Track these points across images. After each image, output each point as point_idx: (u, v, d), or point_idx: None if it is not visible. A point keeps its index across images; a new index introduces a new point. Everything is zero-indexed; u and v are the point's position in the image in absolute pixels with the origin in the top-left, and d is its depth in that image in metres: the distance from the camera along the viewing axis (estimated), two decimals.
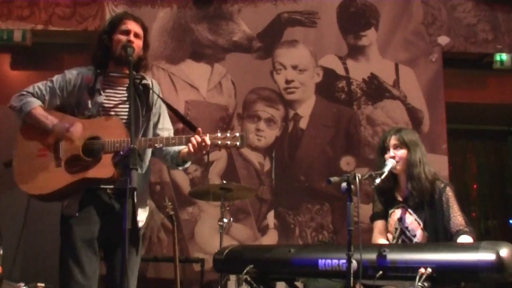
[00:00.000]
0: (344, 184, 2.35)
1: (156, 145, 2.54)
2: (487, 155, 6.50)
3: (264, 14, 5.45)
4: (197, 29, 5.41)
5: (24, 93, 2.62)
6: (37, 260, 4.58)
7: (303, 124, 5.29)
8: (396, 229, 2.90)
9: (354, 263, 2.28)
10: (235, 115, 5.29)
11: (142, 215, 2.66)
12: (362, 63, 5.44)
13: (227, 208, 4.10)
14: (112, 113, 2.62)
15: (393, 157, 2.86)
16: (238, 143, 2.50)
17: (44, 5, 5.35)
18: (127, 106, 2.63)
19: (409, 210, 2.88)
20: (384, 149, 2.94)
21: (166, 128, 2.80)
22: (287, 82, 5.36)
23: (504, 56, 5.46)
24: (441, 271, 2.18)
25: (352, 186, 2.34)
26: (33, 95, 2.62)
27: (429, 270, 2.17)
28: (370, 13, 5.51)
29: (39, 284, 4.09)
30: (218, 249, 3.10)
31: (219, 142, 2.50)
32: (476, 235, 2.73)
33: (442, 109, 5.35)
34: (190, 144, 2.50)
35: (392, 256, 2.32)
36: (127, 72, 2.56)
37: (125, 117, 2.63)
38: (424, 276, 2.16)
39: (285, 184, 5.18)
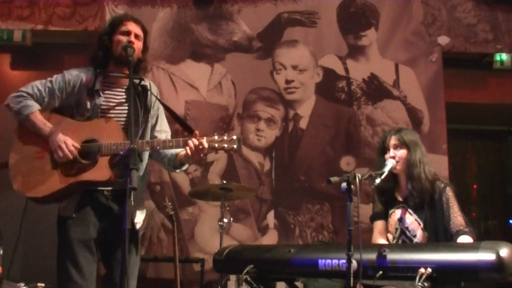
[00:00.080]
0: (344, 184, 2.35)
1: (154, 147, 2.53)
2: (487, 155, 6.49)
3: (264, 14, 5.45)
4: (197, 29, 5.41)
5: (24, 94, 2.59)
6: (37, 260, 4.58)
7: (303, 124, 5.29)
8: (396, 229, 2.90)
9: (354, 263, 2.28)
10: (235, 115, 5.29)
11: (139, 217, 2.66)
12: (362, 63, 5.44)
13: (227, 208, 4.10)
14: (111, 114, 2.61)
15: (393, 157, 2.87)
16: (235, 146, 2.52)
17: (44, 5, 5.35)
18: (126, 107, 2.63)
19: (409, 210, 2.88)
20: (384, 149, 2.94)
21: (163, 130, 2.80)
22: (287, 82, 5.36)
23: (504, 56, 5.46)
24: (441, 271, 2.18)
25: (352, 186, 2.34)
26: (32, 96, 2.59)
27: (429, 270, 2.17)
28: (370, 13, 5.51)
29: (39, 284, 4.09)
30: (218, 249, 3.10)
31: (216, 145, 2.52)
32: (476, 235, 2.73)
33: (442, 109, 5.35)
34: (187, 147, 2.51)
35: (392, 256, 2.32)
36: (127, 72, 2.56)
37: (124, 118, 2.63)
38: (424, 276, 2.16)
39: (285, 184, 5.18)
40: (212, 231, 4.84)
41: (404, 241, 2.86)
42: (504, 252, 2.10)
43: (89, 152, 2.52)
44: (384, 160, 2.86)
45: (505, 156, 6.43)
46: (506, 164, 6.41)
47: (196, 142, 2.50)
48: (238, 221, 5.01)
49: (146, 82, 2.74)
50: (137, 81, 2.64)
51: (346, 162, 5.23)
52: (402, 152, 2.88)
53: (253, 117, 5.30)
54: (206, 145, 2.51)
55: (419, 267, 2.19)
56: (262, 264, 2.72)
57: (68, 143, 2.49)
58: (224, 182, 3.93)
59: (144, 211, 2.74)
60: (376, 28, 5.49)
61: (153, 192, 5.06)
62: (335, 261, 2.46)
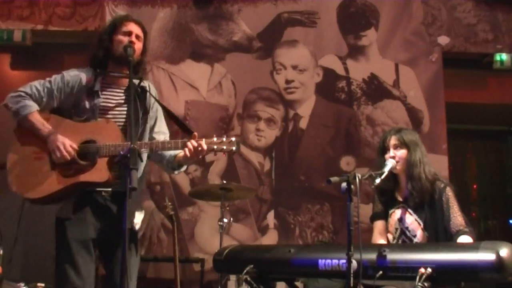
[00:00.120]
0: (344, 184, 2.35)
1: (152, 149, 2.54)
2: (487, 155, 6.49)
3: (264, 14, 5.45)
4: (197, 29, 5.41)
5: (22, 94, 2.58)
6: (37, 260, 4.58)
7: (303, 124, 5.29)
8: (396, 229, 2.90)
9: (354, 263, 2.28)
10: (235, 115, 5.29)
11: (138, 218, 2.66)
12: (362, 63, 5.44)
13: (227, 208, 4.10)
14: (110, 115, 2.61)
15: (393, 157, 2.86)
16: (233, 148, 2.52)
17: (44, 5, 5.35)
18: (125, 108, 2.63)
19: (409, 210, 2.88)
20: (384, 149, 2.94)
21: (162, 131, 2.79)
22: (287, 82, 5.36)
23: (504, 56, 5.46)
24: (441, 271, 2.18)
25: (352, 186, 2.34)
26: (30, 96, 2.58)
27: (429, 270, 2.17)
28: (370, 13, 5.51)
29: (39, 284, 4.09)
30: (218, 249, 3.10)
31: (215, 147, 2.52)
32: (476, 235, 2.72)
33: (442, 109, 5.35)
34: (186, 149, 2.51)
35: (392, 256, 2.32)
36: (127, 72, 2.56)
37: (122, 119, 2.62)
38: (424, 276, 2.16)
39: (285, 184, 5.18)
40: (212, 231, 4.84)
41: (404, 241, 2.86)
42: (504, 252, 2.10)
43: (87, 153, 2.51)
44: (384, 160, 2.86)
45: (505, 156, 6.43)
46: (506, 164, 6.41)
47: (195, 144, 2.50)
48: (238, 221, 5.01)
49: (145, 83, 2.74)
50: (136, 81, 2.64)
51: (346, 162, 5.23)
52: (402, 152, 2.88)
53: (253, 117, 5.30)
54: (205, 147, 2.50)
55: (419, 267, 2.19)
56: (262, 264, 2.72)
57: (66, 143, 2.49)
58: (224, 182, 3.93)
59: (143, 212, 2.74)
60: (376, 28, 5.49)
61: (153, 192, 5.06)
62: (335, 261, 2.45)
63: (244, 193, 4.34)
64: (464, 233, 2.68)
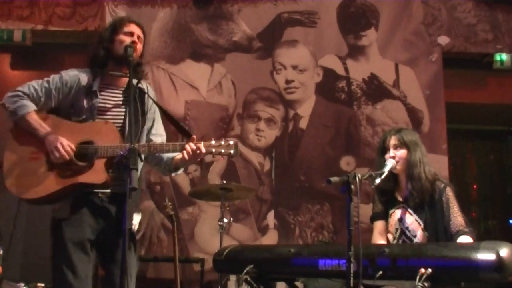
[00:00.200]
0: (344, 184, 2.35)
1: (151, 151, 2.53)
2: (487, 155, 6.50)
3: (264, 14, 5.45)
4: (197, 29, 5.41)
5: (20, 94, 2.57)
6: (37, 260, 4.58)
7: (303, 124, 5.29)
8: (396, 229, 2.90)
9: (354, 263, 2.28)
10: (235, 115, 5.29)
11: (135, 219, 2.65)
12: (362, 63, 5.44)
13: (227, 208, 4.10)
14: (108, 116, 2.60)
15: (393, 157, 2.86)
16: (232, 152, 2.51)
17: (44, 5, 5.35)
18: (123, 109, 2.63)
19: (409, 210, 2.88)
20: (384, 149, 2.93)
21: (159, 133, 2.79)
22: (287, 82, 5.36)
23: (504, 56, 5.46)
24: (441, 271, 2.18)
25: (352, 186, 2.34)
26: (28, 96, 2.57)
27: (429, 270, 2.17)
28: (370, 13, 5.52)
29: (39, 284, 4.09)
30: (218, 249, 3.09)
31: (214, 150, 2.52)
32: (476, 235, 2.72)
33: (442, 109, 5.35)
34: (184, 152, 2.50)
35: (392, 256, 2.32)
36: (126, 71, 2.56)
37: (120, 120, 2.62)
38: (424, 276, 2.15)
39: (285, 184, 5.18)
40: (212, 231, 4.84)
41: (404, 241, 2.86)
42: (504, 252, 2.10)
43: (85, 154, 2.50)
44: (384, 160, 2.86)
45: (505, 156, 6.43)
46: (506, 164, 6.41)
47: (194, 147, 2.50)
48: (238, 221, 5.01)
49: (144, 85, 2.73)
50: (135, 81, 2.64)
51: (346, 162, 5.23)
52: (402, 152, 2.88)
53: (253, 117, 5.30)
54: (203, 150, 2.50)
55: (419, 267, 2.19)
56: (262, 264, 2.71)
57: (64, 144, 2.47)
58: (224, 182, 3.93)
59: (140, 214, 2.74)
60: (376, 28, 5.49)
61: (153, 192, 5.06)
62: (335, 261, 2.45)
63: (244, 193, 4.34)
64: (464, 233, 2.68)
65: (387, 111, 5.34)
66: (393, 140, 2.91)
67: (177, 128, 2.65)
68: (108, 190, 2.56)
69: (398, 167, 2.86)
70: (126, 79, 2.67)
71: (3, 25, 5.28)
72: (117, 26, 2.70)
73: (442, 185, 2.84)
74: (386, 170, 2.75)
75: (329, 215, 5.12)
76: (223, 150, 2.52)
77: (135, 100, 2.56)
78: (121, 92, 2.67)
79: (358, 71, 5.42)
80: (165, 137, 2.81)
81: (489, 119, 6.14)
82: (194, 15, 5.43)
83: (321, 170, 5.17)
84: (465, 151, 6.49)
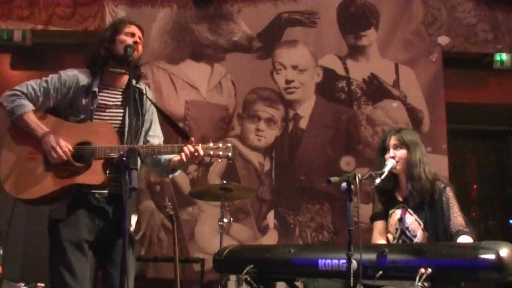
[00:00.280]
0: (344, 184, 2.35)
1: (149, 152, 2.53)
2: (487, 155, 6.50)
3: (264, 14, 5.45)
4: (197, 29, 5.41)
5: (18, 93, 2.56)
6: (37, 260, 4.58)
7: (303, 124, 5.29)
8: (396, 229, 2.90)
9: (354, 263, 2.27)
10: (235, 115, 5.29)
11: (132, 220, 2.65)
12: (362, 63, 5.44)
13: (227, 208, 4.10)
14: (106, 117, 2.60)
15: (393, 157, 2.86)
16: (230, 154, 2.52)
17: (44, 5, 5.35)
18: (121, 110, 2.63)
19: (409, 210, 2.88)
20: (384, 149, 2.93)
21: (156, 135, 2.79)
22: (287, 82, 5.36)
23: (504, 56, 5.46)
24: (441, 271, 2.18)
25: (352, 186, 2.34)
26: (26, 96, 2.56)
27: (429, 270, 2.17)
28: (370, 13, 5.52)
29: (39, 284, 4.10)
30: (218, 249, 3.09)
31: (211, 152, 2.52)
32: (476, 235, 2.72)
33: (442, 109, 5.35)
34: (183, 154, 2.50)
35: (392, 256, 2.32)
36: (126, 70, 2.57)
37: (118, 121, 2.62)
38: (424, 276, 2.15)
39: (285, 184, 5.18)
40: (212, 231, 4.84)
41: (404, 241, 2.86)
42: (504, 252, 2.10)
43: (82, 154, 2.50)
44: (384, 160, 2.86)
45: (505, 156, 6.43)
46: (506, 164, 6.41)
47: (192, 149, 2.49)
48: (238, 221, 5.01)
49: (142, 86, 2.73)
50: (134, 82, 2.63)
51: (346, 162, 5.23)
52: (402, 152, 2.88)
53: (253, 117, 5.30)
54: (201, 152, 2.50)
55: (419, 267, 2.19)
56: (262, 264, 2.71)
57: (62, 144, 2.46)
58: (224, 182, 3.93)
59: (136, 215, 2.74)
60: (376, 28, 5.49)
61: (153, 192, 5.06)
62: (335, 261, 2.45)
63: (244, 193, 4.34)
64: (464, 233, 2.68)
65: (387, 111, 5.34)
66: (393, 140, 2.90)
67: (175, 130, 2.64)
68: (106, 191, 2.55)
69: (398, 167, 2.86)
70: (125, 80, 2.67)
71: (3, 25, 5.28)
72: (118, 26, 2.70)
73: (442, 185, 2.84)
74: (386, 170, 2.75)
75: (329, 215, 5.12)
76: (221, 153, 2.51)
77: (134, 100, 2.56)
78: (120, 92, 2.67)
79: (358, 71, 5.42)
80: (162, 139, 2.81)
81: (489, 119, 6.14)
82: (194, 15, 5.43)
83: (321, 170, 5.17)
84: (465, 151, 6.49)
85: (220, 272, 3.59)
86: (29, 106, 2.55)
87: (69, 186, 2.47)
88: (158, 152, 2.55)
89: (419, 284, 2.14)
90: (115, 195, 2.54)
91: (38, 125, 2.53)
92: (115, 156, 2.43)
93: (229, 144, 2.53)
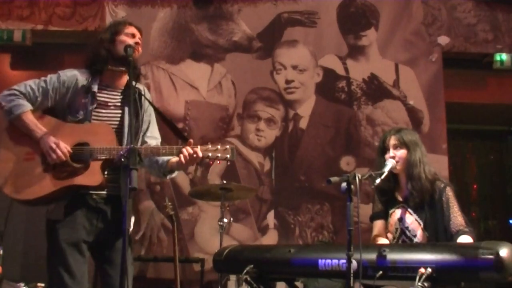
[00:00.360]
0: (344, 184, 2.35)
1: (147, 154, 2.52)
2: (487, 155, 6.50)
3: (264, 14, 5.45)
4: (197, 29, 5.41)
5: (16, 93, 2.55)
6: (37, 260, 4.58)
7: (303, 124, 5.29)
8: (396, 229, 2.90)
9: (354, 263, 2.27)
10: (235, 115, 5.29)
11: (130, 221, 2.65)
12: (362, 63, 5.44)
13: (227, 208, 4.10)
14: (104, 117, 2.59)
15: (393, 157, 2.86)
16: (228, 156, 2.51)
17: (44, 5, 5.35)
18: (119, 111, 2.63)
19: (409, 210, 2.88)
20: (384, 149, 2.94)
21: (154, 136, 2.79)
22: (287, 82, 5.36)
23: (504, 56, 5.46)
24: (441, 271, 2.18)
25: (352, 186, 2.34)
26: (24, 96, 2.55)
27: (429, 270, 2.17)
28: (370, 13, 5.52)
29: (39, 284, 4.10)
30: (218, 249, 3.09)
31: (210, 154, 2.51)
32: (476, 235, 2.72)
33: (442, 109, 5.35)
34: (181, 155, 2.49)
35: (392, 256, 2.32)
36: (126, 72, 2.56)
37: (116, 122, 2.61)
38: (424, 276, 2.15)
39: (285, 184, 5.18)
40: (212, 231, 4.84)
41: (404, 241, 2.86)
42: (504, 252, 2.10)
43: (80, 155, 2.49)
44: (384, 160, 2.86)
45: (505, 156, 6.44)
46: (506, 164, 6.41)
47: (191, 151, 2.49)
48: (238, 221, 5.01)
49: (140, 87, 2.73)
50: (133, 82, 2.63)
51: (346, 162, 5.23)
52: (402, 152, 2.88)
53: (253, 117, 5.30)
54: (200, 154, 2.49)
55: (419, 267, 2.19)
56: (262, 264, 2.71)
57: (60, 145, 2.46)
58: (224, 182, 3.93)
59: (133, 217, 2.73)
60: (376, 28, 5.49)
61: (153, 192, 5.06)
62: (335, 261, 2.45)
63: (244, 193, 4.34)
64: (464, 233, 2.68)
65: (387, 111, 5.34)
66: (393, 140, 2.91)
67: (174, 132, 2.63)
68: (104, 192, 2.55)
69: (398, 167, 2.86)
70: (124, 81, 2.67)
71: (3, 25, 5.28)
72: (117, 27, 2.70)
73: (442, 185, 2.84)
74: (386, 170, 2.75)
75: (329, 215, 5.12)
76: (219, 155, 2.51)
77: (134, 100, 2.55)
78: (119, 93, 2.66)
79: (358, 71, 5.42)
80: (159, 140, 2.81)
81: (489, 119, 6.14)
82: (194, 15, 5.43)
83: (321, 170, 5.17)
84: (465, 151, 6.49)
85: (220, 272, 3.59)
86: (28, 106, 2.54)
87: (67, 187, 2.47)
88: (157, 154, 2.55)
89: (419, 284, 2.14)
90: (113, 196, 2.54)
91: (36, 125, 2.52)
92: (113, 157, 2.44)
93: (228, 146, 2.52)
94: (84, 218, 2.51)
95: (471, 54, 5.58)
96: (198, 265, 4.68)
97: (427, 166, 2.88)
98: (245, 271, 2.64)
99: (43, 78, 2.62)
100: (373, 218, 3.05)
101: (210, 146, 2.53)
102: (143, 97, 2.69)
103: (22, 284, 4.01)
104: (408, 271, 2.24)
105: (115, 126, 2.60)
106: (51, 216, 2.52)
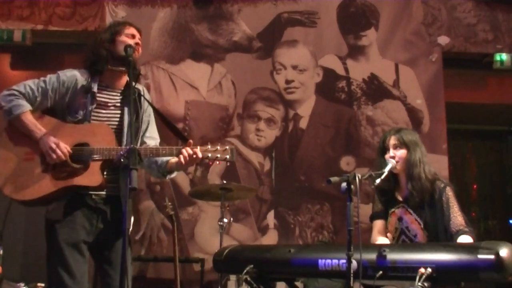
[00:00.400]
0: (344, 184, 2.35)
1: (146, 154, 2.52)
2: (487, 155, 6.50)
3: (264, 14, 5.45)
4: (197, 29, 5.41)
5: (15, 93, 2.55)
6: (37, 260, 4.58)
7: (303, 124, 5.29)
8: (396, 229, 2.91)
9: (354, 263, 2.28)
10: (235, 115, 5.29)
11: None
12: (362, 63, 5.44)
13: (227, 208, 4.10)
14: (104, 118, 2.59)
15: (393, 157, 2.87)
16: (228, 156, 2.51)
17: (44, 5, 5.35)
18: (119, 111, 2.63)
19: (409, 210, 2.88)
20: (384, 149, 2.94)
21: (153, 137, 2.79)
22: (287, 82, 5.36)
23: (504, 56, 5.46)
24: (441, 271, 2.18)
25: (352, 186, 2.34)
26: (24, 96, 2.54)
27: (429, 270, 2.17)
28: (370, 13, 5.51)
29: (39, 284, 4.10)
30: (218, 249, 3.10)
31: (210, 155, 2.51)
32: (476, 235, 2.72)
33: (442, 109, 5.35)
34: (181, 156, 2.49)
35: (392, 256, 2.32)
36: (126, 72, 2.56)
37: (116, 122, 2.61)
38: (424, 276, 2.15)
39: (285, 184, 5.18)
40: (212, 231, 4.84)
41: (404, 240, 2.86)
42: (504, 252, 2.10)
43: (80, 156, 2.49)
44: (384, 160, 2.86)
45: (505, 156, 6.44)
46: (506, 164, 6.41)
47: (190, 152, 2.49)
48: (238, 221, 5.01)
49: (139, 87, 2.73)
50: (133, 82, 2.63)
51: (346, 162, 5.23)
52: (402, 152, 2.88)
53: (253, 117, 5.30)
54: (200, 155, 2.49)
55: (419, 267, 2.19)
56: (262, 264, 2.71)
57: (60, 145, 2.46)
58: (224, 182, 3.93)
59: (132, 216, 2.73)
60: (376, 28, 5.49)
61: (153, 192, 5.06)
62: (335, 261, 2.45)
63: (244, 193, 4.34)
64: (464, 233, 2.68)
65: (387, 111, 5.34)
66: (393, 140, 2.91)
67: (174, 132, 2.63)
68: (103, 193, 2.55)
69: (398, 167, 2.86)
70: (124, 81, 2.67)
71: (3, 25, 5.28)
72: (117, 27, 2.70)
73: (442, 185, 2.84)
74: (386, 170, 2.75)
75: (329, 215, 5.12)
76: (219, 155, 2.51)
77: (134, 100, 2.55)
78: (118, 93, 2.66)
79: (358, 71, 5.41)
80: (158, 140, 2.81)
81: (489, 119, 6.15)
82: (194, 15, 5.43)
83: (321, 170, 5.17)
84: (465, 151, 6.49)
85: (220, 272, 3.59)
86: (27, 106, 2.54)
87: (66, 187, 2.46)
88: (156, 154, 2.54)
89: (419, 284, 2.14)
90: (112, 196, 2.54)
91: (36, 125, 2.52)
92: (113, 157, 2.43)
93: (227, 147, 2.52)
94: (84, 218, 2.51)
95: (471, 54, 5.58)
96: (198, 265, 4.68)
97: (427, 166, 2.88)
98: (245, 271, 2.65)
99: (42, 78, 2.61)
100: (373, 218, 3.05)
101: (209, 146, 2.53)
102: (142, 98, 2.69)
103: (22, 284, 4.01)
104: (408, 271, 2.24)
105: (115, 127, 2.60)
106: (50, 216, 2.52)
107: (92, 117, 2.57)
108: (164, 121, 2.66)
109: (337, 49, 5.45)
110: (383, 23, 5.50)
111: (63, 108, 2.60)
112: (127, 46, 2.56)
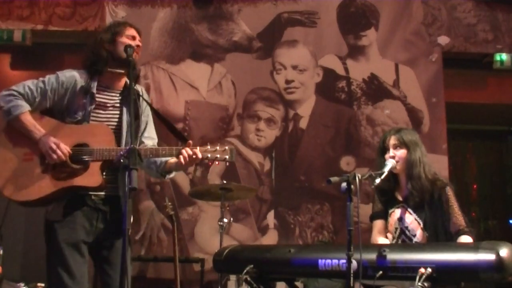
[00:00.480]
0: (344, 184, 2.35)
1: (146, 155, 2.52)
2: (487, 155, 6.50)
3: (264, 14, 5.45)
4: (197, 29, 5.41)
5: (14, 93, 2.54)
6: (37, 260, 4.58)
7: (303, 124, 5.29)
8: (396, 228, 2.91)
9: (354, 263, 2.28)
10: (235, 115, 5.29)
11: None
12: (362, 63, 5.44)
13: (227, 208, 4.10)
14: (103, 118, 2.59)
15: (393, 157, 2.87)
16: (227, 157, 2.51)
17: (44, 5, 5.35)
18: (118, 112, 2.63)
19: (409, 209, 2.88)
20: (384, 149, 2.94)
21: (151, 137, 2.79)
22: (287, 82, 5.36)
23: (504, 56, 5.46)
24: (441, 271, 2.18)
25: (352, 186, 2.34)
26: (23, 96, 2.54)
27: (429, 270, 2.17)
28: (370, 13, 5.51)
29: (39, 284, 4.10)
30: (218, 249, 3.10)
31: (209, 155, 2.51)
32: (476, 235, 2.73)
33: (442, 109, 5.35)
34: (181, 157, 2.50)
35: (392, 256, 2.32)
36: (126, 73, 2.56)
37: (115, 123, 2.61)
38: (424, 276, 2.15)
39: (285, 184, 5.18)
40: (212, 231, 4.84)
41: (404, 240, 2.86)
42: (504, 252, 2.10)
43: (79, 156, 2.49)
44: (384, 160, 2.87)
45: (505, 156, 6.44)
46: (506, 164, 6.41)
47: (190, 152, 2.49)
48: (238, 221, 5.01)
49: (138, 88, 2.73)
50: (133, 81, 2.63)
51: (346, 162, 5.23)
52: (402, 152, 2.88)
53: (253, 117, 5.30)
54: (199, 155, 2.50)
55: (419, 267, 2.19)
56: (262, 264, 2.71)
57: (60, 145, 2.46)
58: (224, 182, 3.93)
59: (131, 217, 2.73)
60: (376, 28, 5.49)
61: (153, 192, 5.06)
62: (335, 261, 2.45)
63: (244, 193, 4.34)
64: (464, 233, 2.68)
65: (387, 111, 5.34)
66: (393, 140, 2.91)
67: (173, 133, 2.63)
68: (103, 193, 2.55)
69: (398, 167, 2.86)
70: (123, 82, 2.67)
71: (3, 25, 5.28)
72: (118, 28, 2.70)
73: (442, 185, 2.84)
74: (386, 170, 2.75)
75: (329, 215, 5.12)
76: (218, 156, 2.51)
77: (134, 101, 2.55)
78: (118, 94, 2.66)
79: (358, 71, 5.41)
80: (156, 140, 2.81)
81: (489, 119, 6.15)
82: (194, 15, 5.43)
83: (321, 170, 5.17)
84: (465, 151, 6.49)
85: (220, 272, 3.59)
86: (26, 107, 2.53)
87: (66, 188, 2.46)
88: (156, 155, 2.54)
89: (419, 284, 2.14)
90: (112, 196, 2.54)
91: (35, 126, 2.51)
92: (113, 158, 2.43)
93: (227, 147, 2.52)
94: (83, 218, 2.51)
95: (471, 54, 5.58)
96: (198, 265, 4.68)
97: (427, 166, 2.88)
98: (245, 271, 2.65)
99: (41, 78, 2.61)
100: (373, 218, 3.05)
101: (209, 147, 2.53)
102: (141, 98, 2.69)
103: (22, 284, 4.01)
104: (408, 271, 2.24)
105: (114, 127, 2.60)
106: (50, 217, 2.52)
107: (91, 118, 2.57)
108: (163, 121, 2.66)
109: (337, 49, 5.45)
110: (383, 23, 5.50)
111: (62, 109, 2.59)
112: (127, 46, 2.56)
